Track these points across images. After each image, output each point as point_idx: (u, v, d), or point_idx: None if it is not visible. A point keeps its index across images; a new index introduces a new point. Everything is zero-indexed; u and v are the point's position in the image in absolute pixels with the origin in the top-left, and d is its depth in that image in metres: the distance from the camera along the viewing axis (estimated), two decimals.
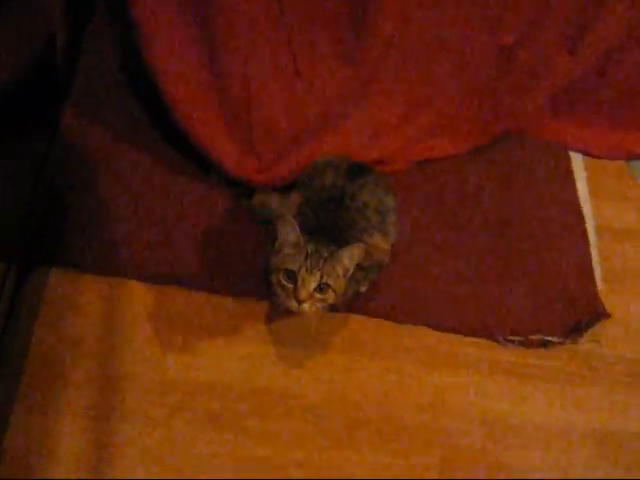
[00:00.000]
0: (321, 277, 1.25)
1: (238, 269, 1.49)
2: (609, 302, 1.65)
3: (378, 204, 1.41)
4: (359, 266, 1.35)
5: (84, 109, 1.63)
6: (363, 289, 1.48)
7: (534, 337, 1.58)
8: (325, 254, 1.26)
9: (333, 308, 1.42)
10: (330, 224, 1.34)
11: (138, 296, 1.43)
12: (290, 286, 1.26)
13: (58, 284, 1.39)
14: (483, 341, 1.56)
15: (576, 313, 1.63)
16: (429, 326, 1.55)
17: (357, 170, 1.43)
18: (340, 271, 1.28)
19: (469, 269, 1.65)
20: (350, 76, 1.68)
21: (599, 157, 1.97)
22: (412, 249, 1.64)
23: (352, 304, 1.49)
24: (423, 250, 1.65)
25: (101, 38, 1.73)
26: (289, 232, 1.26)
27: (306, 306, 1.27)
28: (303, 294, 1.25)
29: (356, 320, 1.52)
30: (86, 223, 1.47)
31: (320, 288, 1.26)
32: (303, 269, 1.25)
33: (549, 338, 1.58)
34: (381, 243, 1.39)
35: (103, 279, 1.43)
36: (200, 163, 1.60)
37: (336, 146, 1.66)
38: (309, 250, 1.25)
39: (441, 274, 1.63)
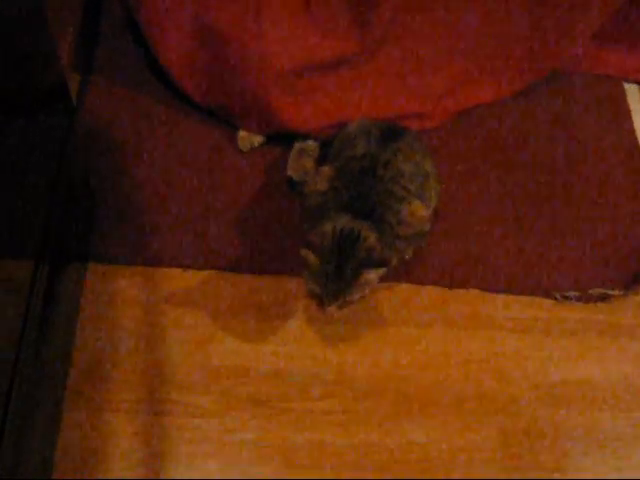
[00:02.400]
0: (344, 298, 1.24)
1: (277, 247, 1.44)
2: None
3: (414, 169, 1.33)
4: (400, 236, 1.29)
5: (105, 89, 1.59)
6: (408, 256, 1.42)
7: (593, 291, 1.50)
8: (348, 275, 1.21)
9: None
10: (364, 197, 1.27)
11: (177, 283, 1.40)
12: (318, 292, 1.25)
13: (95, 279, 1.37)
14: (539, 300, 1.49)
15: (636, 261, 1.54)
16: (481, 289, 1.48)
17: (390, 135, 1.35)
18: (365, 286, 1.25)
19: (519, 224, 1.57)
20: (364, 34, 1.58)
21: None
22: (457, 208, 1.56)
23: (397, 272, 1.43)
24: (468, 208, 1.57)
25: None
26: (308, 255, 1.22)
27: (333, 310, 1.27)
28: (327, 308, 1.26)
29: (403, 289, 1.46)
30: (116, 213, 1.44)
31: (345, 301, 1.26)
32: (324, 292, 1.24)
33: (609, 291, 1.50)
34: (421, 210, 1.32)
35: (140, 269, 1.40)
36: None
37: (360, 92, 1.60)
38: (329, 272, 1.21)
39: (489, 232, 1.54)
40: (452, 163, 1.62)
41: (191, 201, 1.49)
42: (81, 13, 1.57)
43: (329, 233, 1.21)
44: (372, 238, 1.22)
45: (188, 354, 1.33)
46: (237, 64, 1.48)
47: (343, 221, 1.23)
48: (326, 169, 1.33)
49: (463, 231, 1.54)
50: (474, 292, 1.48)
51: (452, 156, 1.63)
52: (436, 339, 1.42)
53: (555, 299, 1.49)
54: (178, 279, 1.40)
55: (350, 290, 1.23)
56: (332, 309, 1.25)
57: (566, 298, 1.49)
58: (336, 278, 1.21)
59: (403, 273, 1.45)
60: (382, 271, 1.24)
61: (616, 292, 1.50)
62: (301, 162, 1.53)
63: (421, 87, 1.67)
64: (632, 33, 1.79)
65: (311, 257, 1.21)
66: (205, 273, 1.41)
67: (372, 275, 1.23)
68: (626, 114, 1.77)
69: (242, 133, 1.57)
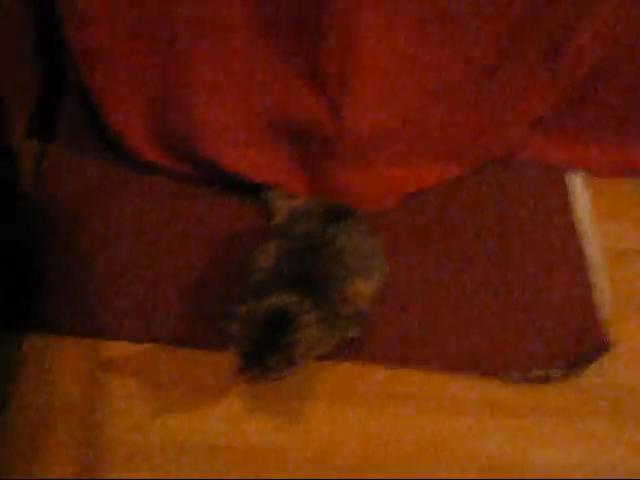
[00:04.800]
0: (257, 374, 1.23)
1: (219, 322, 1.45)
2: (616, 329, 1.58)
3: (358, 248, 1.36)
4: (342, 315, 1.31)
5: (62, 159, 1.63)
6: (351, 335, 1.43)
7: (536, 372, 1.51)
8: (262, 355, 1.20)
9: (321, 357, 1.38)
10: (307, 275, 1.29)
11: (117, 355, 1.40)
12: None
13: (33, 349, 1.37)
14: (481, 381, 1.49)
15: (578, 346, 1.55)
16: (423, 369, 1.49)
17: (334, 214, 1.39)
18: (281, 369, 1.24)
19: (464, 305, 1.59)
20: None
21: (599, 176, 1.89)
22: (400, 288, 1.58)
23: (342, 351, 1.43)
24: (414, 288, 1.59)
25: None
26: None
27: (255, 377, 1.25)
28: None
29: (348, 367, 1.47)
30: (61, 283, 1.45)
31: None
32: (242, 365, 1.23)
33: (551, 373, 1.52)
34: (363, 289, 1.34)
35: (82, 341, 1.40)
36: None
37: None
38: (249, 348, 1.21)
39: (432, 312, 1.56)
40: (397, 240, 1.66)
41: (138, 271, 1.50)
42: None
43: (261, 309, 1.22)
44: (306, 330, 1.22)
45: (130, 428, 1.32)
46: None
47: (285, 299, 1.24)
48: (271, 246, 1.36)
49: (408, 311, 1.56)
50: (416, 372, 1.48)
51: (399, 232, 1.67)
52: (376, 418, 1.41)
53: (498, 378, 1.50)
54: (118, 350, 1.40)
55: (263, 371, 1.22)
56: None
57: (508, 379, 1.50)
58: (253, 356, 1.20)
59: (348, 351, 1.46)
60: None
61: (557, 374, 1.51)
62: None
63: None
64: (578, 125, 1.87)
65: (233, 329, 1.21)
66: (146, 346, 1.42)
67: (285, 366, 1.22)
68: (567, 204, 1.81)
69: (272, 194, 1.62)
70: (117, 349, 1.41)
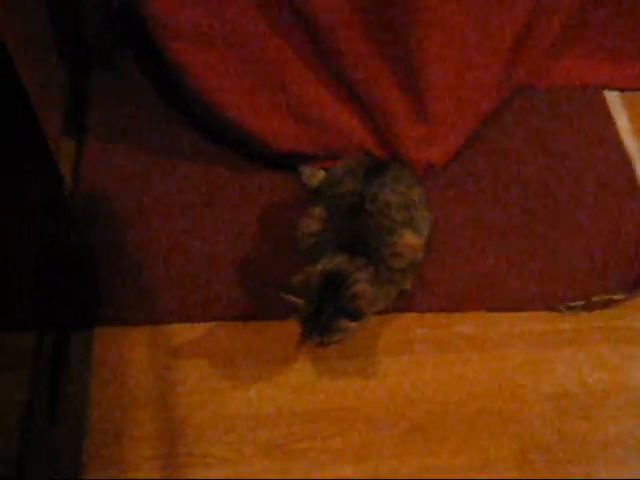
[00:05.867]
0: (321, 340, 1.26)
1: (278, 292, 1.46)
2: None
3: (402, 200, 1.35)
4: (396, 269, 1.31)
5: (100, 152, 1.65)
6: (407, 287, 1.43)
7: (596, 298, 1.50)
8: (325, 319, 1.22)
9: (379, 312, 1.39)
10: (356, 234, 1.30)
11: (182, 338, 1.42)
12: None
13: (103, 342, 1.40)
14: (543, 314, 1.49)
15: (636, 265, 1.54)
16: (484, 309, 1.49)
17: (374, 169, 1.38)
18: (343, 333, 1.26)
19: (515, 242, 1.58)
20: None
21: (635, 89, 1.85)
22: (451, 233, 1.58)
23: (398, 302, 1.44)
24: (462, 232, 1.59)
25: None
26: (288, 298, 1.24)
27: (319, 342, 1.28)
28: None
29: (405, 318, 1.47)
30: (120, 275, 1.47)
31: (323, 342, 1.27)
32: (303, 333, 1.26)
33: (613, 296, 1.50)
34: (412, 240, 1.34)
35: (146, 328, 1.43)
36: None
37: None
38: (309, 313, 1.23)
39: (485, 253, 1.56)
40: (442, 190, 1.64)
41: (191, 254, 1.52)
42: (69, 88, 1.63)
43: (315, 275, 1.23)
44: (361, 284, 1.24)
45: (199, 406, 1.35)
46: None
47: (337, 260, 1.26)
48: (317, 210, 1.36)
49: (460, 255, 1.55)
50: (477, 314, 1.49)
51: (441, 183, 1.66)
52: (443, 364, 1.42)
53: (559, 311, 1.49)
54: (183, 333, 1.43)
55: (327, 334, 1.24)
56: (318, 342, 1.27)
57: (570, 309, 1.49)
58: (315, 321, 1.22)
59: (404, 302, 1.47)
60: (360, 322, 1.25)
61: (620, 296, 1.50)
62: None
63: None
64: (608, 43, 1.83)
65: (292, 299, 1.22)
66: (209, 325, 1.44)
67: (349, 324, 1.24)
68: (609, 122, 1.79)
69: (308, 171, 1.63)
70: (180, 333, 1.43)
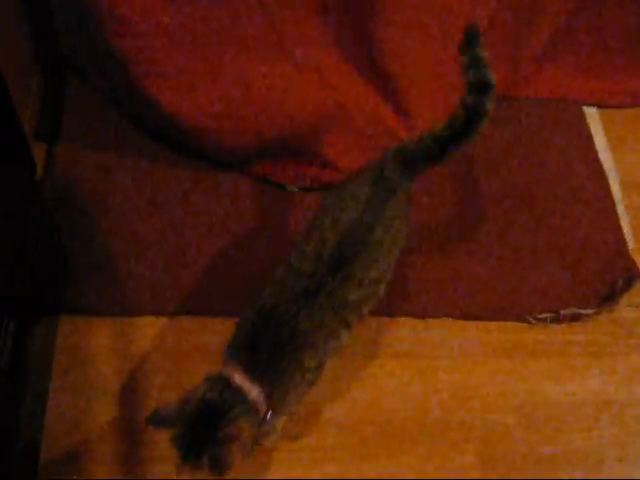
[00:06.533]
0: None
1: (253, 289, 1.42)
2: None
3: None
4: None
5: (73, 149, 1.61)
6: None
7: (566, 311, 1.51)
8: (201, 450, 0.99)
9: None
10: (279, 333, 1.10)
11: (151, 331, 1.40)
12: None
13: (68, 332, 1.38)
14: (511, 324, 1.50)
15: (609, 278, 1.55)
16: (452, 317, 1.49)
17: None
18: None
19: (487, 251, 1.58)
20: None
21: (613, 107, 1.87)
22: (426, 239, 1.57)
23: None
24: (437, 239, 1.59)
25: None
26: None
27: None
28: None
29: (375, 321, 1.46)
30: (89, 265, 1.45)
31: None
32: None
33: (582, 310, 1.51)
34: None
35: (114, 319, 1.40)
36: None
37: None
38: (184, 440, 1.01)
39: (458, 260, 1.56)
40: (418, 195, 1.64)
41: (162, 247, 1.50)
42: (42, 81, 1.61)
43: (191, 404, 1.01)
44: (240, 424, 1.01)
45: (162, 400, 1.32)
46: None
47: (225, 382, 1.04)
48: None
49: (431, 261, 1.55)
50: (447, 320, 1.48)
51: (418, 187, 1.64)
52: (411, 370, 1.42)
53: (528, 322, 1.50)
54: (151, 326, 1.41)
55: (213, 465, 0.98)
56: None
57: (539, 320, 1.50)
58: (191, 451, 1.00)
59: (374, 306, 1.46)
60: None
61: (588, 311, 1.51)
62: None
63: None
64: (590, 57, 1.84)
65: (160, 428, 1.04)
66: (177, 319, 1.42)
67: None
68: (587, 136, 1.80)
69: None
70: (150, 325, 1.41)
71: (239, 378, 1.04)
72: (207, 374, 1.06)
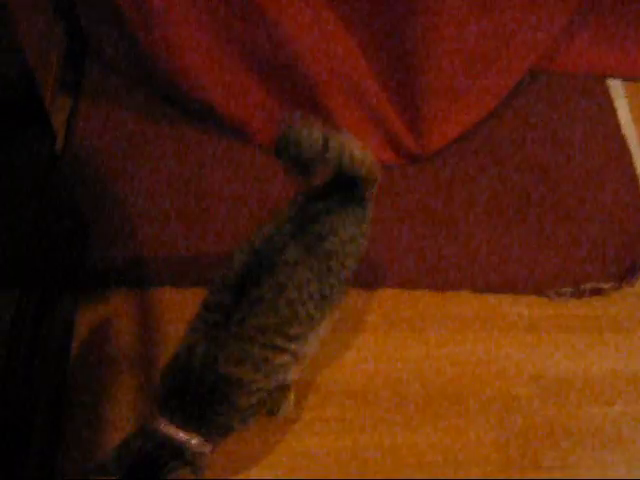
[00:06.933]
0: None
1: None
2: None
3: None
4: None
5: (94, 113, 1.62)
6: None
7: (586, 286, 1.50)
8: None
9: (371, 285, 1.38)
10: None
11: (171, 302, 1.41)
12: None
13: (89, 303, 1.39)
14: (532, 298, 1.49)
15: (630, 253, 1.54)
16: (472, 290, 1.49)
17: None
18: None
19: (509, 225, 1.57)
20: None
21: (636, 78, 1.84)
22: (447, 212, 1.57)
23: (386, 276, 1.44)
24: (458, 212, 1.58)
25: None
26: None
27: None
28: None
29: (395, 293, 1.47)
30: (108, 237, 1.45)
31: None
32: None
33: (602, 285, 1.50)
34: None
35: (134, 291, 1.42)
36: None
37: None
38: None
39: (479, 234, 1.55)
40: (440, 168, 1.63)
41: (182, 219, 1.50)
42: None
43: (129, 454, 0.98)
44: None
45: None
46: None
47: (161, 432, 0.99)
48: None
49: (454, 234, 1.55)
50: (466, 294, 1.48)
51: (440, 162, 1.65)
52: (430, 342, 1.42)
53: (548, 297, 1.49)
54: (171, 297, 1.42)
55: None
56: None
57: (560, 295, 1.49)
58: None
59: (394, 277, 1.46)
60: None
61: (609, 285, 1.50)
62: None
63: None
64: (613, 30, 1.81)
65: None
66: (198, 289, 1.42)
67: None
68: (610, 110, 1.78)
69: None
70: (170, 296, 1.42)
71: (174, 431, 0.98)
72: (141, 426, 1.02)
